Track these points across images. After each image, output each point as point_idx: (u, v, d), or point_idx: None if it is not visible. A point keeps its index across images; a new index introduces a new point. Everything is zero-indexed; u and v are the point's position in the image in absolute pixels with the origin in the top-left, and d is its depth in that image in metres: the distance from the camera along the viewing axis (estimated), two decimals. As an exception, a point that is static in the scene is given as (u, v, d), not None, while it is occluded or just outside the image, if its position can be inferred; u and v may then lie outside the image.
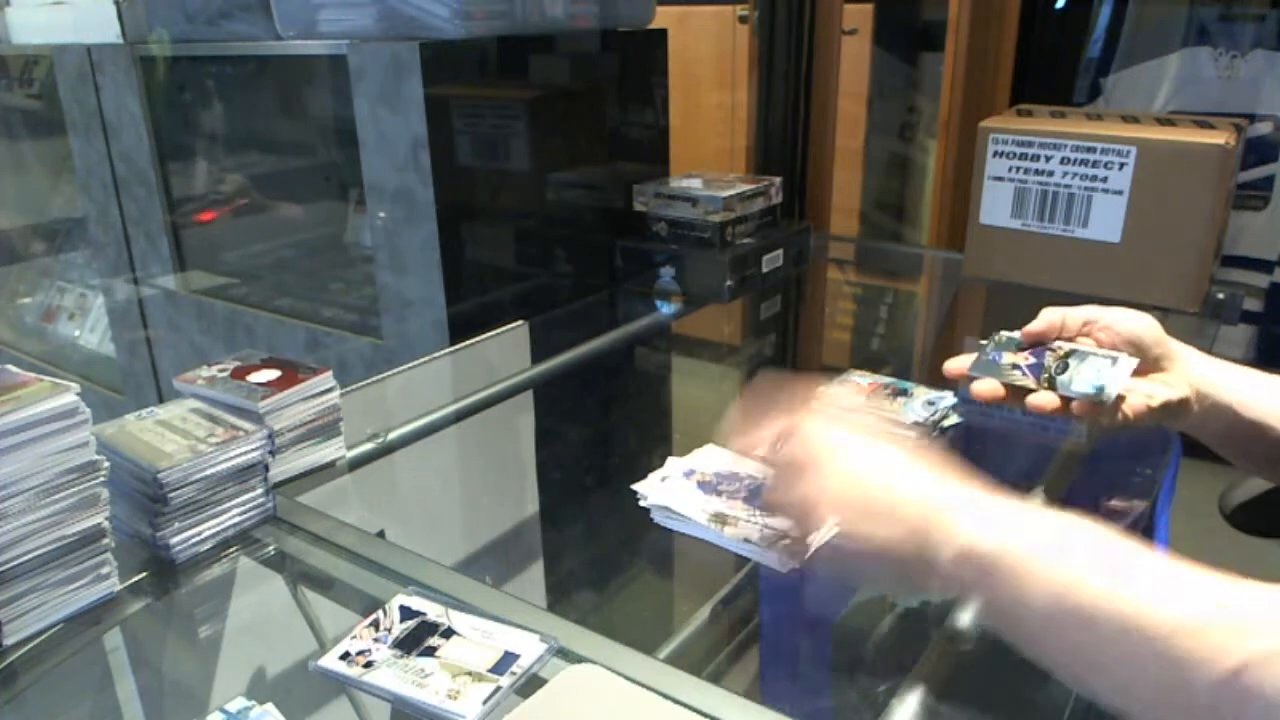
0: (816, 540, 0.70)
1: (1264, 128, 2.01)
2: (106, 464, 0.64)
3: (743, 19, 1.96)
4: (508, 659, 0.57)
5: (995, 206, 1.29)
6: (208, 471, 0.71)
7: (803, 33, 1.56)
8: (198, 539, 0.71)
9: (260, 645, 0.68)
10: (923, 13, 2.22)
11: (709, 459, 0.80)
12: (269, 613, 0.71)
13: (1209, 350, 0.71)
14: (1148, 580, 0.45)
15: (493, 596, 0.64)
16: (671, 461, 0.80)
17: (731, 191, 1.33)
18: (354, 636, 0.60)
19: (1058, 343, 0.71)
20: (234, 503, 0.73)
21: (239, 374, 0.81)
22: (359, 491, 0.85)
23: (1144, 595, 0.44)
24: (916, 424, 0.85)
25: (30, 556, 0.61)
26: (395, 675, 0.56)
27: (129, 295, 1.78)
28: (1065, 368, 0.67)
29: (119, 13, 1.57)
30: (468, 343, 1.18)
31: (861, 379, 0.95)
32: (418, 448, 0.93)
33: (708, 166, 1.61)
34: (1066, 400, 0.66)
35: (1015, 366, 0.70)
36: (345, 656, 0.58)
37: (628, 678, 0.55)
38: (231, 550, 0.73)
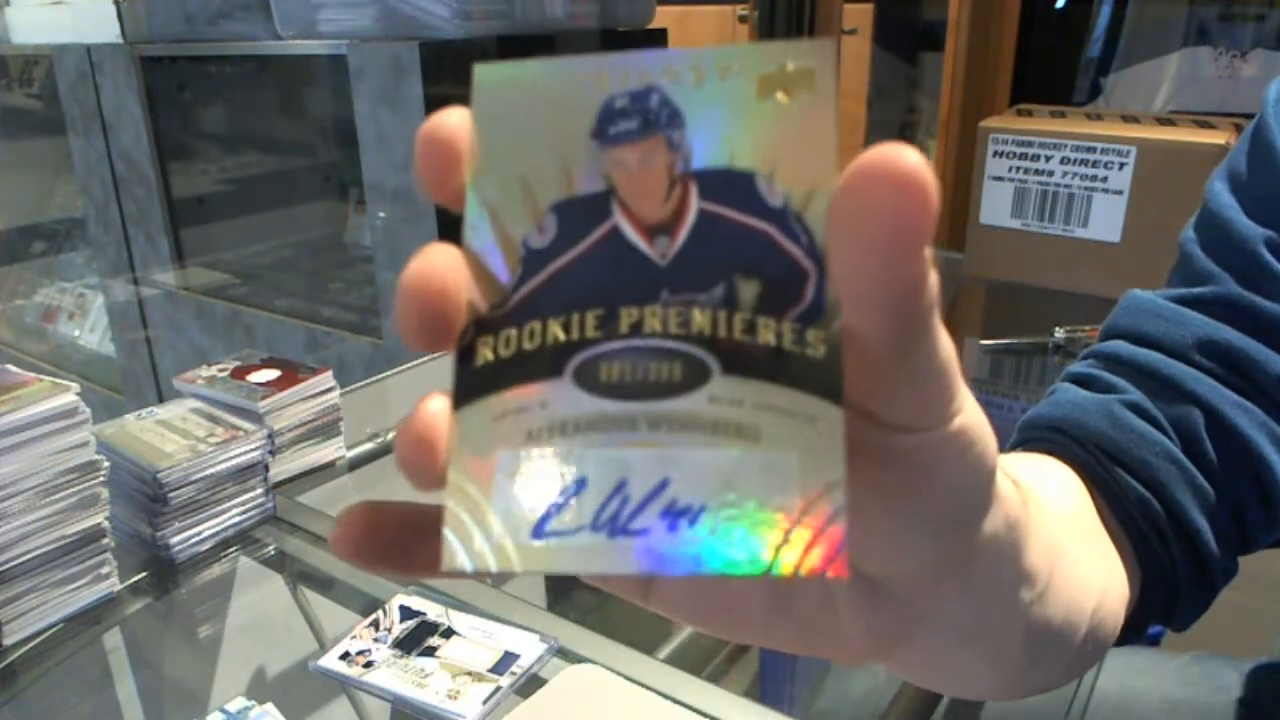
0: None
1: (1264, 128, 2.01)
2: (106, 464, 0.64)
3: (743, 19, 1.96)
4: (508, 659, 0.57)
5: (995, 206, 1.29)
6: (208, 471, 0.71)
7: (802, 33, 1.56)
8: (198, 539, 0.71)
9: (260, 645, 0.68)
10: (923, 13, 2.22)
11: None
12: (269, 613, 0.71)
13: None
14: None
15: (493, 596, 0.64)
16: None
17: (731, 191, 1.33)
18: (354, 636, 0.60)
19: None
20: (234, 503, 0.73)
21: (239, 374, 0.81)
22: (359, 491, 0.85)
23: None
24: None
25: (30, 556, 0.61)
26: (395, 675, 0.56)
27: (129, 295, 1.79)
28: None
29: (119, 13, 1.57)
30: (468, 343, 1.18)
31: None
32: (418, 448, 0.93)
33: (708, 166, 1.61)
34: None
35: None
36: (345, 656, 0.58)
37: (628, 678, 0.55)
38: (231, 550, 0.73)
